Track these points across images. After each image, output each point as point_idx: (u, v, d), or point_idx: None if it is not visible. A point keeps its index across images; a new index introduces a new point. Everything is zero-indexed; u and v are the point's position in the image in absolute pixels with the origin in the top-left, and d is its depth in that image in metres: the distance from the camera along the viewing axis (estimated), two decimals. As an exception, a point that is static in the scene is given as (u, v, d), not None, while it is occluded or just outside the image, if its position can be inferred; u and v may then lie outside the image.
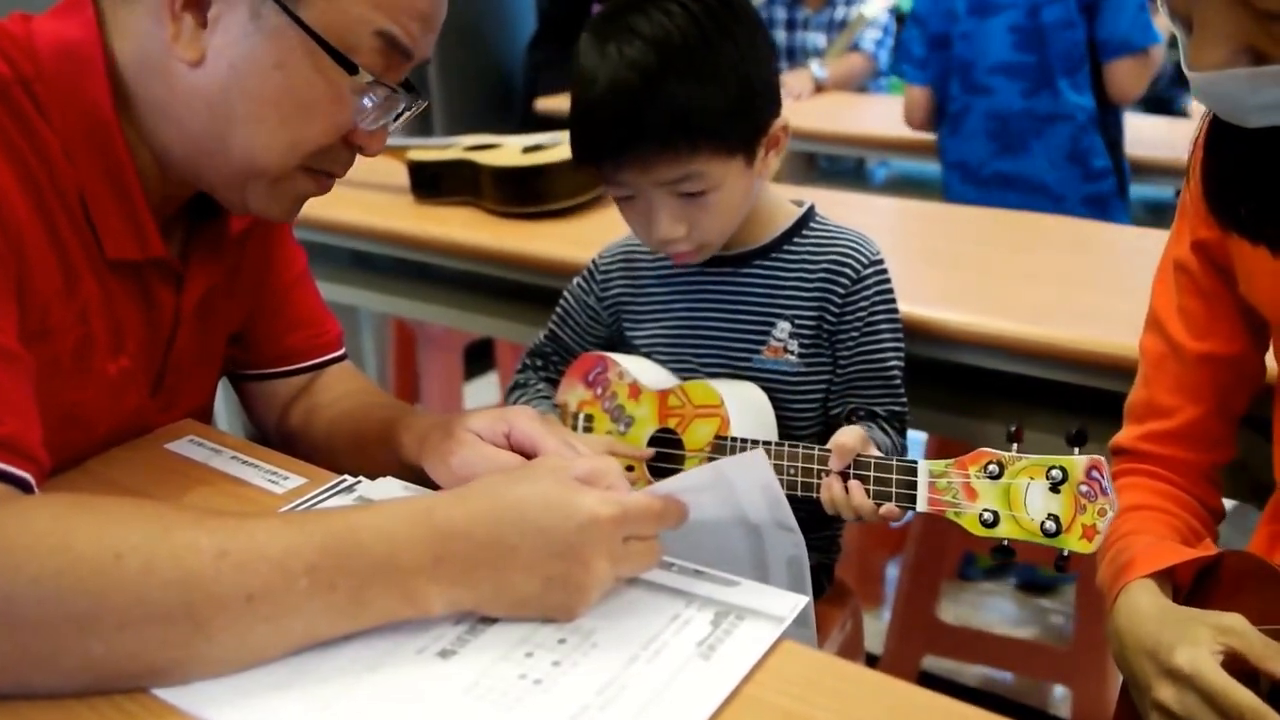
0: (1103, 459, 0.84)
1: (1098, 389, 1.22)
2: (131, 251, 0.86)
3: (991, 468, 0.88)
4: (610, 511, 0.68)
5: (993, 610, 2.23)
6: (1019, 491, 0.87)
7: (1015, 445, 0.90)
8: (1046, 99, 2.28)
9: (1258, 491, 1.05)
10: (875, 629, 2.06)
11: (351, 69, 0.81)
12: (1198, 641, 0.76)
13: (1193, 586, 0.89)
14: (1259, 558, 0.87)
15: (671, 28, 1.02)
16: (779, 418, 1.13)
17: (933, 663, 2.02)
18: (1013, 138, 2.34)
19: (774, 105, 1.10)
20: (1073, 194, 2.27)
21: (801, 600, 0.70)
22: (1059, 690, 2.03)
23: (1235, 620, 0.77)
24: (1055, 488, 0.85)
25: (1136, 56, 2.22)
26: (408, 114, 0.89)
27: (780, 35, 3.28)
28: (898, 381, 1.15)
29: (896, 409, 1.15)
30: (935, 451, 1.99)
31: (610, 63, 1.03)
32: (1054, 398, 1.32)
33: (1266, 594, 0.82)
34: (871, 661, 1.93)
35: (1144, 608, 0.83)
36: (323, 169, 0.88)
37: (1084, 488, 0.84)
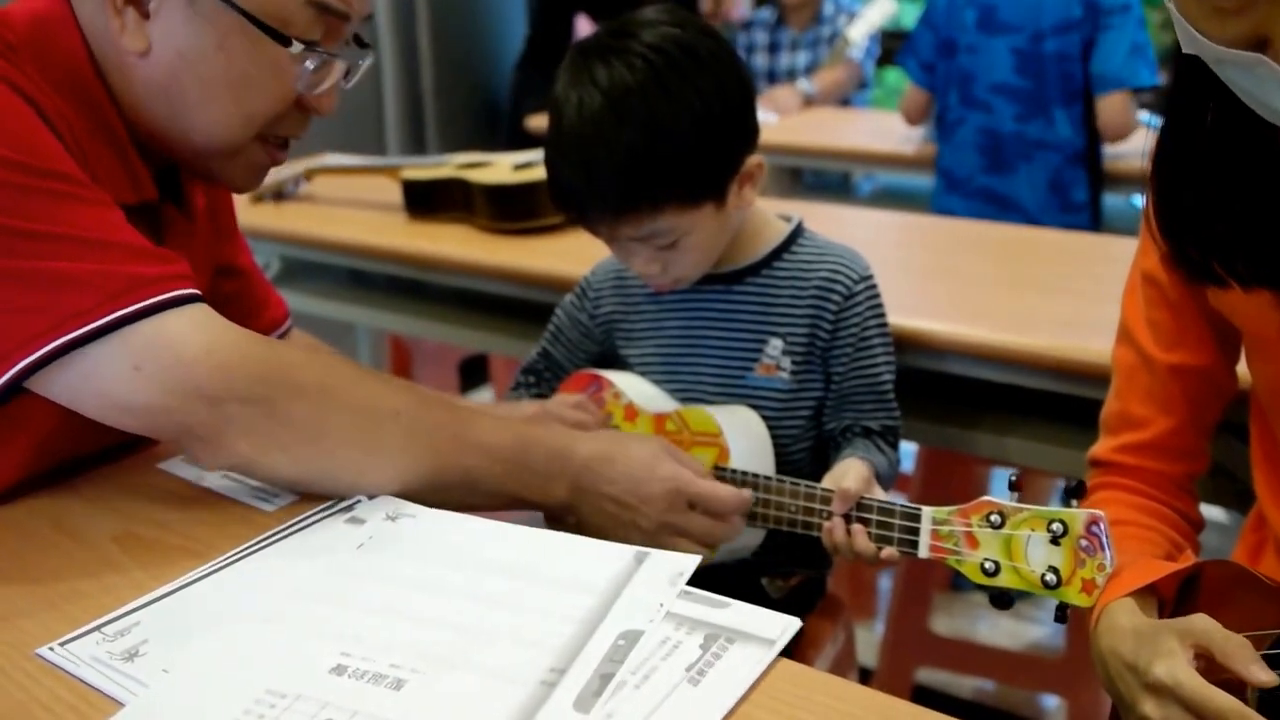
0: (1102, 514, 0.84)
1: (1084, 398, 1.21)
2: (127, 195, 0.88)
3: (994, 518, 0.88)
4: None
5: (985, 621, 2.21)
6: (1020, 543, 0.87)
7: (1016, 495, 0.89)
8: (1039, 126, 2.30)
9: (1243, 499, 1.04)
10: (869, 641, 2.05)
11: (284, 41, 0.85)
12: (1173, 653, 0.75)
13: (1178, 598, 0.88)
14: (1240, 565, 0.87)
15: (632, 81, 0.99)
16: (771, 435, 1.12)
17: (926, 675, 2.01)
18: (1002, 157, 2.36)
19: (746, 143, 1.07)
20: (1049, 222, 2.28)
21: (794, 623, 0.68)
22: (1053, 701, 2.02)
23: (1199, 620, 0.76)
24: (1056, 540, 0.85)
25: (1126, 94, 2.24)
26: (363, 68, 0.94)
27: (761, 59, 3.28)
28: (890, 395, 1.14)
29: (890, 423, 1.14)
30: (926, 462, 1.98)
31: (572, 112, 1.01)
32: (1042, 406, 1.31)
33: (1250, 601, 0.81)
34: (865, 675, 1.92)
35: (1123, 625, 0.82)
36: (278, 135, 0.93)
37: (1084, 542, 0.84)
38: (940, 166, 2.48)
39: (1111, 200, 2.41)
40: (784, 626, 0.68)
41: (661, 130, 0.99)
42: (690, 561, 0.75)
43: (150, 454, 0.97)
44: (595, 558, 0.77)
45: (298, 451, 0.83)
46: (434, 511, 0.84)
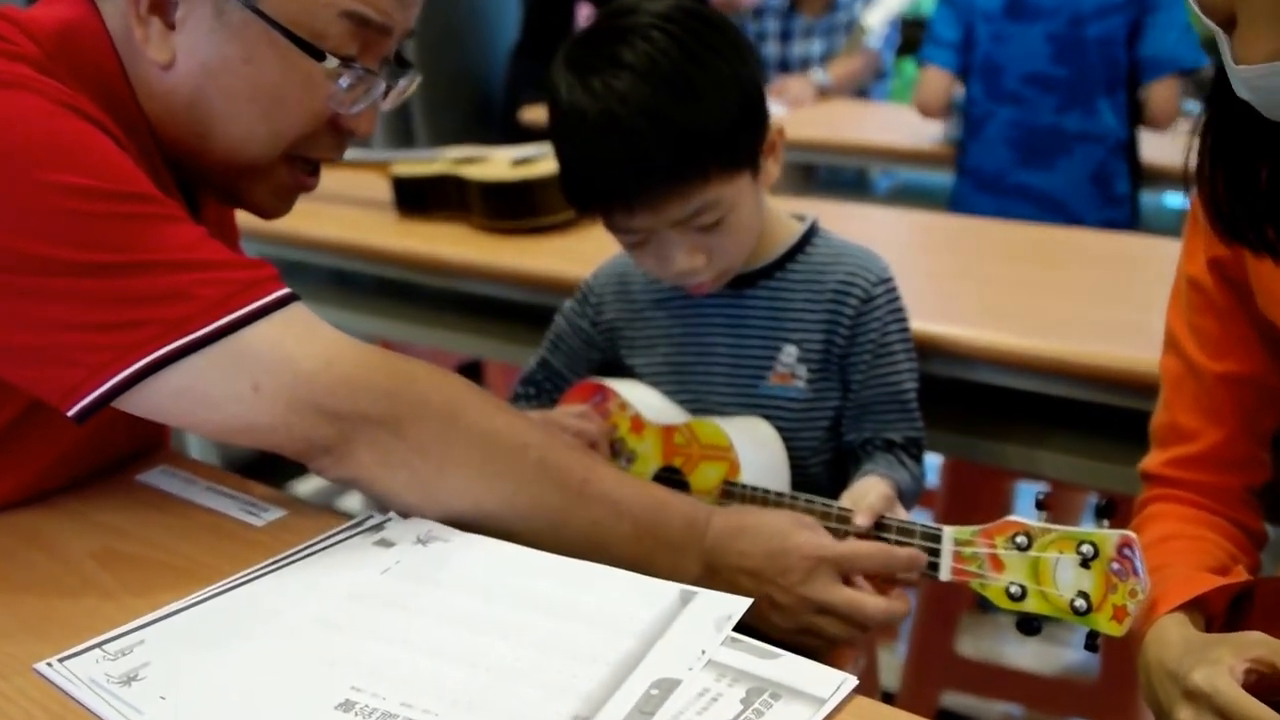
0: (1134, 537, 0.83)
1: (1121, 407, 1.21)
2: None
3: (1020, 539, 0.88)
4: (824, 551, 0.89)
5: (1014, 643, 2.22)
6: (1048, 566, 0.86)
7: (1044, 515, 0.89)
8: (1079, 116, 2.28)
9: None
10: (891, 664, 2.05)
11: (318, 55, 0.85)
12: (1217, 661, 0.77)
13: (1228, 615, 0.88)
14: (1293, 583, 0.87)
15: (657, 53, 1.00)
16: (787, 447, 1.12)
17: (952, 699, 2.01)
18: (1037, 151, 2.33)
19: (766, 105, 1.09)
20: (1090, 217, 2.26)
21: (849, 680, 0.66)
22: (1084, 727, 2.02)
23: (1256, 635, 0.78)
24: (1086, 564, 0.85)
25: (1176, 78, 2.23)
26: (405, 88, 0.93)
27: (773, 48, 3.30)
28: (913, 405, 1.15)
29: (913, 435, 1.14)
30: (951, 475, 1.98)
31: (599, 99, 1.00)
32: (1074, 417, 1.32)
33: (1305, 621, 0.82)
34: (888, 699, 1.92)
35: (1171, 639, 0.83)
36: (310, 156, 0.92)
37: (1115, 565, 0.84)
38: (966, 165, 2.44)
39: (1145, 199, 2.41)
40: (836, 684, 0.65)
41: (699, 95, 1.01)
42: (740, 604, 0.73)
43: (129, 466, 0.97)
44: (637, 594, 0.76)
45: (421, 471, 0.83)
46: (468, 536, 0.83)
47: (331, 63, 0.85)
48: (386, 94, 0.92)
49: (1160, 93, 2.24)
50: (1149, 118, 2.28)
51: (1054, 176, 2.32)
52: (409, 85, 0.95)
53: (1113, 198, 2.30)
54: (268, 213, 0.96)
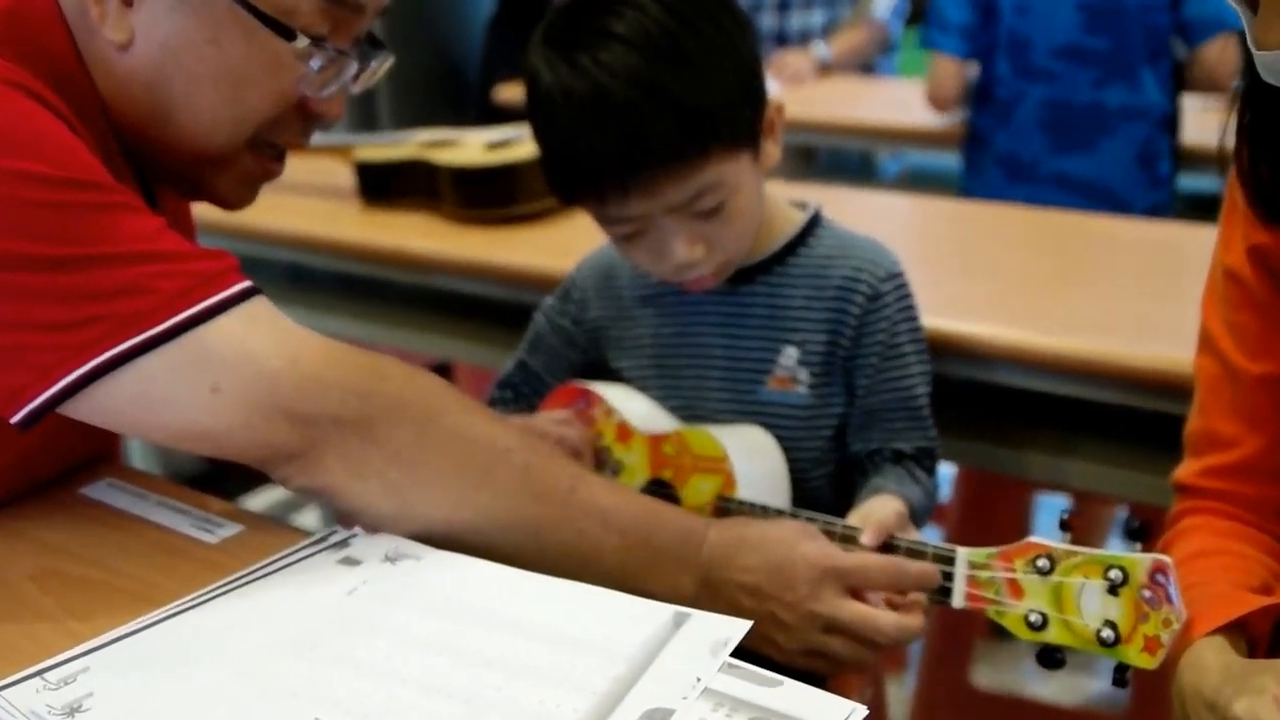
0: (1169, 561, 0.83)
1: (1155, 411, 1.22)
2: None
3: (1041, 562, 0.88)
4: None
5: (1034, 673, 2.22)
6: (1072, 592, 0.86)
7: (1068, 536, 0.89)
8: (1122, 91, 2.26)
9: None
10: (900, 697, 2.06)
11: (287, 35, 0.85)
12: (1261, 690, 0.77)
13: (1272, 639, 0.89)
14: (1343, 604, 0.88)
15: (650, 23, 1.00)
16: (787, 458, 1.13)
17: (966, 733, 2.02)
18: (1076, 133, 2.31)
19: (764, 80, 1.10)
20: (1139, 201, 2.26)
21: (859, 710, 0.66)
22: (1111, 762, 2.03)
23: None
24: (1114, 590, 0.85)
25: (1232, 36, 2.20)
26: (376, 70, 0.95)
27: (769, 19, 3.30)
28: (925, 412, 1.15)
29: (925, 444, 1.15)
30: (966, 486, 1.99)
31: (588, 75, 1.00)
32: (1103, 423, 1.33)
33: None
34: (896, 732, 1.93)
35: (1209, 664, 0.84)
36: (276, 142, 0.93)
37: (1146, 593, 0.84)
38: (997, 153, 2.42)
39: (1184, 181, 2.41)
40: (845, 715, 0.65)
41: (697, 66, 1.01)
42: (739, 627, 0.73)
43: (72, 479, 0.97)
44: (627, 615, 0.75)
45: (394, 479, 0.84)
46: (441, 554, 0.84)
47: (301, 42, 0.86)
48: (357, 76, 0.93)
49: (1213, 53, 2.22)
50: (1203, 81, 2.26)
51: (1097, 160, 2.30)
52: (380, 67, 0.95)
53: (1158, 179, 2.29)
54: (231, 203, 0.96)
